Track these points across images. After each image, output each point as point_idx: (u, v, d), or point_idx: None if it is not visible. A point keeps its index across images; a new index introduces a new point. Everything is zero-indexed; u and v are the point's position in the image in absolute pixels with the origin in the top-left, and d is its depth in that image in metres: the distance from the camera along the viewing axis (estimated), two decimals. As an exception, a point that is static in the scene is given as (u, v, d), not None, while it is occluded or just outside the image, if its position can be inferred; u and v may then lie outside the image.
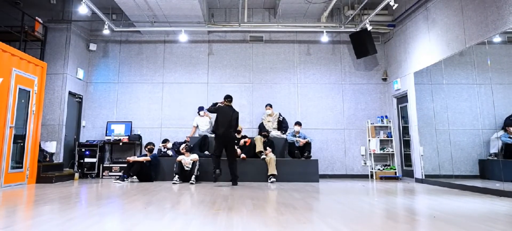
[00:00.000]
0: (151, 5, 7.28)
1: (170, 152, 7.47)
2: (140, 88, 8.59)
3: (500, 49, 5.01)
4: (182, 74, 8.67)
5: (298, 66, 8.70)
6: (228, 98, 6.50)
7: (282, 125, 7.98)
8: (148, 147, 7.07)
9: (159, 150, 7.56)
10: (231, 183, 6.35)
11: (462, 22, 5.78)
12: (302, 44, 8.80)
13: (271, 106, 8.10)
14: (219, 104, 6.45)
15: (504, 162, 4.88)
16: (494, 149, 5.02)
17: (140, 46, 8.78)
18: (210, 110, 6.42)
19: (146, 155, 6.97)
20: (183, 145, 6.89)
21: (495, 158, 4.92)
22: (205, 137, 7.60)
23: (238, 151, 7.33)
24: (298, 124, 7.70)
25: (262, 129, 7.84)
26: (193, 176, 6.50)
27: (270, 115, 8.03)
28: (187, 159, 6.68)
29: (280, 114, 8.12)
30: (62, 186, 5.85)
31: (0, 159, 5.56)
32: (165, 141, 7.58)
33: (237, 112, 6.48)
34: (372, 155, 8.17)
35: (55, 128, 7.51)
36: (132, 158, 6.85)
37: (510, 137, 4.88)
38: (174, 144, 7.73)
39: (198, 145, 7.46)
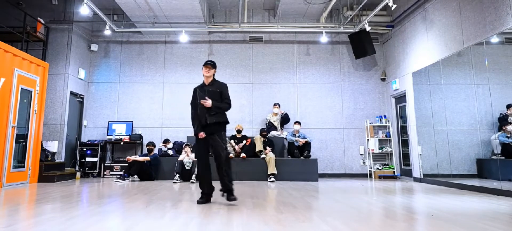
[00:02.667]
0: (152, 6, 7.33)
1: (170, 152, 7.52)
2: (141, 88, 8.64)
3: (497, 50, 5.05)
4: (182, 74, 8.72)
5: (297, 66, 8.75)
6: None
7: (285, 120, 8.11)
8: (148, 147, 7.15)
9: (160, 150, 7.61)
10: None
11: (460, 23, 5.82)
12: (302, 44, 8.85)
13: (279, 105, 8.19)
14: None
15: (502, 161, 4.93)
16: (498, 150, 5.04)
17: (141, 46, 8.83)
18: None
19: (146, 155, 7.04)
20: (188, 148, 6.93)
21: (503, 158, 4.94)
22: None
23: (236, 147, 7.35)
24: (297, 123, 7.76)
25: (270, 127, 7.97)
26: (194, 175, 6.56)
27: (275, 114, 8.10)
28: (188, 159, 6.74)
29: (282, 112, 8.23)
30: (64, 185, 5.89)
31: (3, 158, 5.62)
32: (166, 141, 7.63)
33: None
34: (371, 154, 8.22)
35: (57, 127, 7.56)
36: (132, 158, 6.90)
37: (507, 137, 4.92)
38: (174, 144, 7.78)
39: None
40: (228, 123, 4.11)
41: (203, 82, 4.19)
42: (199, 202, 3.85)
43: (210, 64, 4.09)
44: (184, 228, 2.63)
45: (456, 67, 5.91)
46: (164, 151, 7.53)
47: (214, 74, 4.17)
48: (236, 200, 3.89)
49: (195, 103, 4.10)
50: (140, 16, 7.83)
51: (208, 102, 3.90)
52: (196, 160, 6.64)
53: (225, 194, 3.86)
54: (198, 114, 4.03)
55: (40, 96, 6.60)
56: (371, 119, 8.48)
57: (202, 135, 3.92)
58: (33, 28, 7.11)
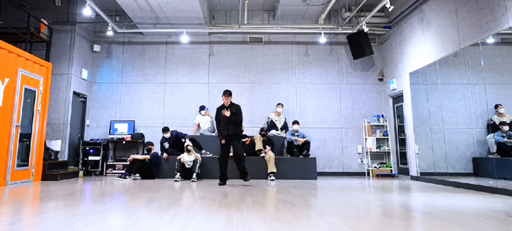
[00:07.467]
0: (153, 7, 7.41)
1: (166, 144, 7.38)
2: (143, 88, 8.74)
3: (493, 50, 5.11)
4: (183, 74, 8.81)
5: (296, 66, 8.83)
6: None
7: (284, 127, 8.23)
8: (147, 147, 7.22)
9: (162, 145, 7.52)
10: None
11: (456, 24, 5.90)
12: (301, 45, 8.93)
13: (282, 105, 8.29)
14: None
15: (497, 160, 5.00)
16: (494, 149, 5.11)
17: (142, 47, 8.93)
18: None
19: (147, 154, 7.12)
20: (187, 144, 6.94)
21: (498, 156, 5.01)
22: (192, 139, 7.43)
23: None
24: (296, 123, 7.85)
25: (271, 126, 8.08)
26: (194, 174, 6.65)
27: (278, 114, 8.20)
28: (188, 157, 6.82)
29: (285, 119, 8.33)
30: (67, 184, 5.96)
31: (7, 157, 5.71)
32: (165, 130, 7.47)
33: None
34: (369, 153, 8.31)
35: (60, 126, 7.66)
36: (133, 156, 6.98)
37: (503, 136, 5.00)
38: (173, 133, 7.61)
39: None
40: (242, 135, 6.24)
41: (223, 104, 5.94)
42: (220, 184, 5.79)
43: (227, 93, 5.89)
44: (185, 226, 2.65)
45: (452, 68, 5.99)
46: (163, 145, 7.43)
47: (231, 100, 5.94)
48: (249, 181, 6.16)
49: (219, 118, 5.93)
50: (141, 17, 7.91)
51: (228, 113, 5.77)
52: (196, 159, 6.78)
53: (243, 178, 5.84)
54: (222, 125, 5.84)
55: (44, 96, 6.69)
56: (369, 118, 8.56)
57: (223, 141, 5.80)
58: (36, 29, 7.19)
